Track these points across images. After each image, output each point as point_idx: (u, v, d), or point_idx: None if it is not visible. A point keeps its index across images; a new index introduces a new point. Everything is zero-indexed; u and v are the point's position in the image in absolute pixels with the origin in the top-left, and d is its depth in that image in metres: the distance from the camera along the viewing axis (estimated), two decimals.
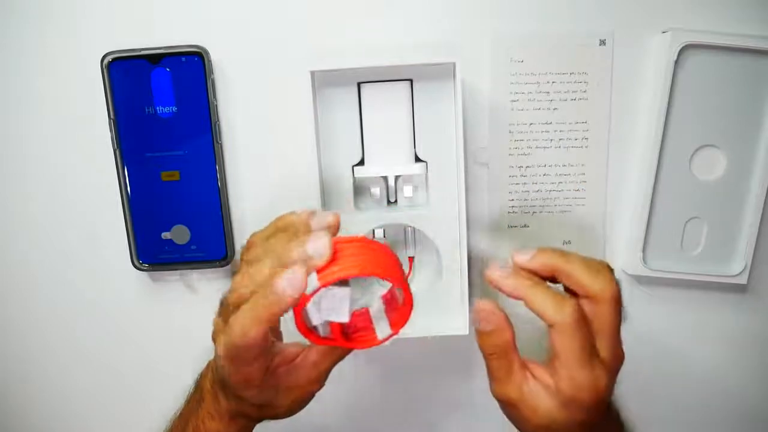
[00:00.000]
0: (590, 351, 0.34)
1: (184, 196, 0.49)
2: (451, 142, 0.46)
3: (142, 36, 0.47)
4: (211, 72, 0.48)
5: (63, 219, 0.51)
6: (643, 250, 0.50)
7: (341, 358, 0.38)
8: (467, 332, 0.45)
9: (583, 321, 0.34)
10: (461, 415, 0.55)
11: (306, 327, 0.34)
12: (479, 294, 0.50)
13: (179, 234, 0.50)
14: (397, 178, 0.48)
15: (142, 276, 0.52)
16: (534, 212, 0.51)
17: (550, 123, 0.50)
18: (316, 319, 0.33)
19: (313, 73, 0.43)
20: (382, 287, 0.38)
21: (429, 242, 0.47)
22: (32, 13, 0.48)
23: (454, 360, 0.54)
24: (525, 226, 0.52)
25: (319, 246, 0.32)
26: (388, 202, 0.48)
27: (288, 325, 0.36)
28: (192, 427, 0.40)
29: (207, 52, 0.47)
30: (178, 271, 0.52)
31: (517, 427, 0.39)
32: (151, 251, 0.50)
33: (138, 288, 0.52)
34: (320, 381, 0.38)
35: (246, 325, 0.32)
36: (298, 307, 0.32)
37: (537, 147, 0.50)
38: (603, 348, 0.35)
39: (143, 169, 0.49)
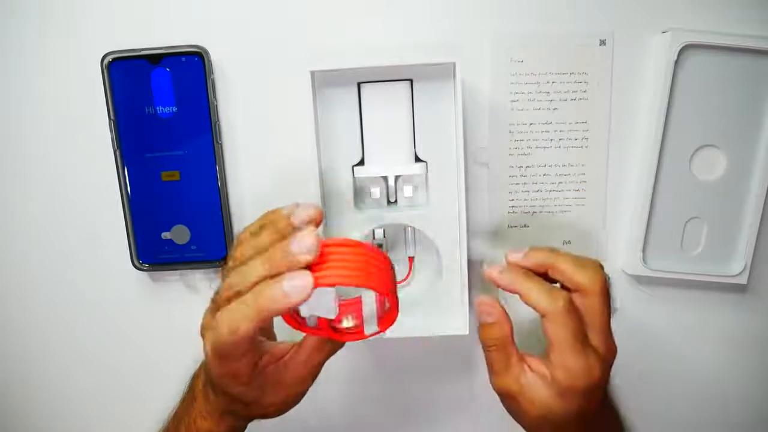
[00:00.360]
0: (582, 340, 0.36)
1: (184, 196, 0.49)
2: (451, 142, 0.46)
3: (142, 36, 0.47)
4: (211, 72, 0.48)
5: (63, 219, 0.51)
6: (643, 250, 0.50)
7: (329, 356, 0.38)
8: (467, 332, 0.45)
9: (575, 312, 0.36)
10: (461, 415, 0.55)
11: (292, 317, 0.35)
12: (479, 294, 0.50)
13: (179, 234, 0.50)
14: (397, 178, 0.48)
15: (142, 276, 0.52)
16: (534, 212, 0.51)
17: (550, 123, 0.50)
18: (304, 311, 0.34)
19: (313, 73, 0.43)
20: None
21: (429, 242, 0.47)
22: (32, 13, 0.48)
23: (454, 360, 0.54)
24: (525, 226, 0.52)
25: (302, 246, 0.31)
26: (388, 202, 0.48)
27: (280, 323, 0.36)
28: (184, 427, 0.40)
29: (207, 52, 0.47)
30: (178, 271, 0.52)
31: (517, 421, 0.40)
32: (151, 251, 0.50)
33: (138, 288, 0.52)
34: (309, 380, 0.38)
35: (235, 321, 0.32)
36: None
37: (537, 147, 0.50)
38: (595, 340, 0.37)
39: (143, 169, 0.49)
